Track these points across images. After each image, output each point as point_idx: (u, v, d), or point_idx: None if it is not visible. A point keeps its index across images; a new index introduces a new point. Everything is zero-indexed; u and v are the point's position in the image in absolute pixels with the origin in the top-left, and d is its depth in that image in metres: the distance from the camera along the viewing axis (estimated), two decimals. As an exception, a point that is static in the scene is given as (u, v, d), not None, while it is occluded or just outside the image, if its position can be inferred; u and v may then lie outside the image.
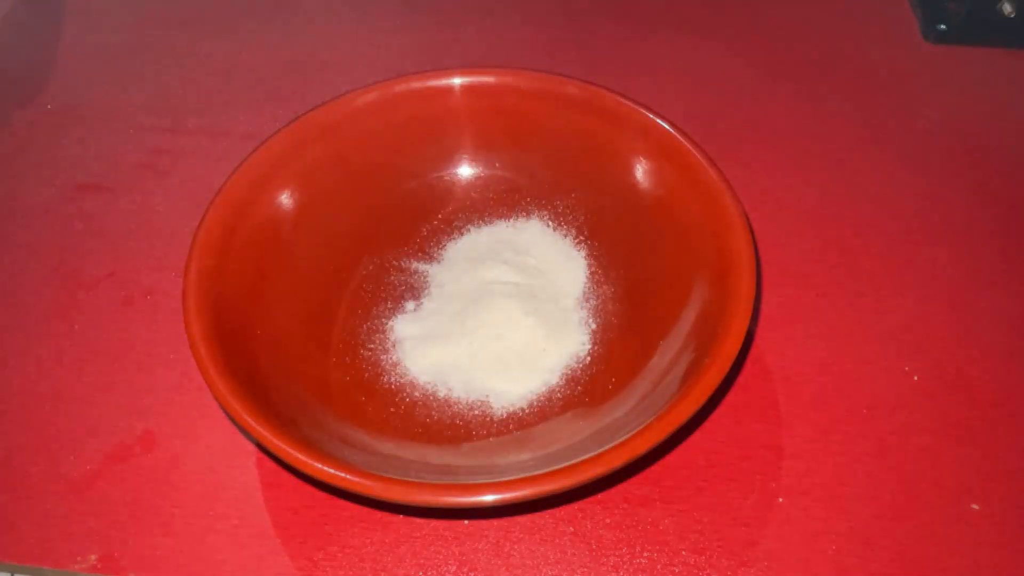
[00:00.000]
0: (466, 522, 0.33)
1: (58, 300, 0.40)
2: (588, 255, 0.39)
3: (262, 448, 0.33)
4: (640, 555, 0.32)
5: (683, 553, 0.32)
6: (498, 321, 0.36)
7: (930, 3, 0.53)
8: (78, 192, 0.45)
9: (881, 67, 0.51)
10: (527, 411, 0.34)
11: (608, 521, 0.33)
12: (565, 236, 0.40)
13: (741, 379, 0.37)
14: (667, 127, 0.36)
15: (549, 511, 0.33)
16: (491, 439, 0.34)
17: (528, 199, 0.41)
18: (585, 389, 0.35)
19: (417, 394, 0.35)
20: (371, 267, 0.39)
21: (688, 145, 0.36)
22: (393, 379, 0.36)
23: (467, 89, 0.39)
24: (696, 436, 0.35)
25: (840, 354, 0.37)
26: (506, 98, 0.39)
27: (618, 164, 0.38)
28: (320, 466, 0.27)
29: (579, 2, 0.56)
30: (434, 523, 0.33)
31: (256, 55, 0.53)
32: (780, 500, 0.33)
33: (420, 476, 0.29)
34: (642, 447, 0.28)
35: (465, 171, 0.41)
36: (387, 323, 0.37)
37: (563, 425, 0.33)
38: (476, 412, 0.34)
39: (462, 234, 0.40)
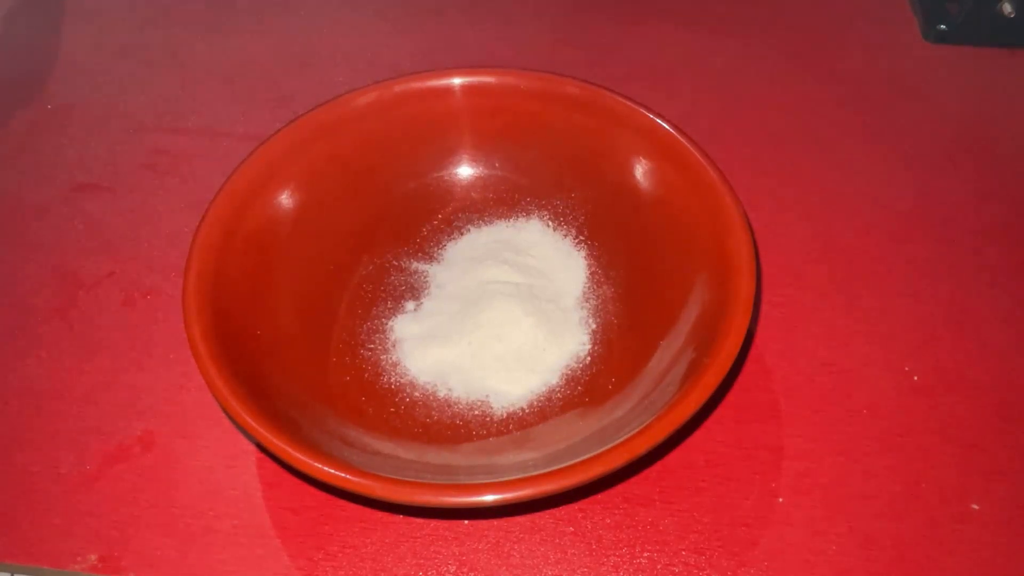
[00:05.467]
0: (466, 522, 0.33)
1: (58, 300, 0.40)
2: (588, 255, 0.39)
3: (262, 448, 0.33)
4: (640, 555, 0.32)
5: (683, 553, 0.32)
6: (498, 321, 0.36)
7: (930, 3, 0.53)
8: (78, 192, 0.45)
9: (881, 67, 0.51)
10: (527, 411, 0.34)
11: (608, 521, 0.33)
12: (565, 236, 0.40)
13: (741, 379, 0.37)
14: (667, 127, 0.36)
15: (549, 511, 0.33)
16: (491, 439, 0.34)
17: (528, 199, 0.41)
18: (585, 389, 0.35)
19: (417, 394, 0.35)
20: (371, 267, 0.39)
21: (688, 145, 0.36)
22: (393, 379, 0.36)
23: (467, 89, 0.39)
24: (696, 436, 0.35)
25: (840, 354, 0.37)
26: (506, 98, 0.39)
27: (618, 164, 0.38)
28: (320, 466, 0.27)
29: (579, 1, 0.56)
30: (434, 523, 0.33)
31: (256, 55, 0.53)
32: (780, 500, 0.33)
33: (420, 476, 0.29)
34: (642, 447, 0.28)
35: (465, 171, 0.41)
36: (387, 323, 0.37)
37: (563, 425, 0.33)
38: (476, 412, 0.34)
39: (462, 234, 0.40)
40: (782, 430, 0.35)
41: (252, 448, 0.35)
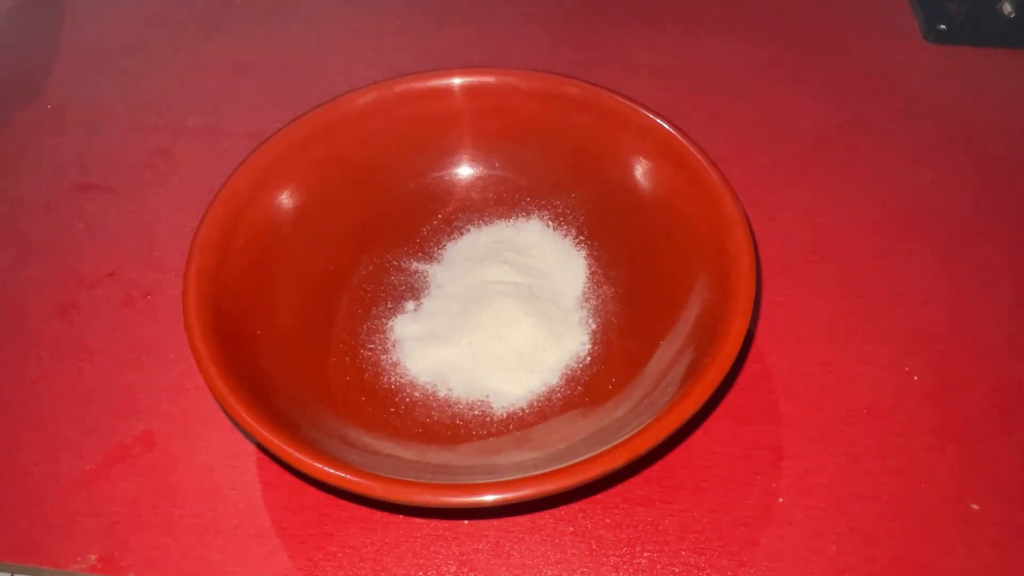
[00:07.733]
0: (466, 522, 0.33)
1: (58, 300, 0.40)
2: (588, 255, 0.39)
3: (262, 448, 0.33)
4: (640, 555, 0.32)
5: (683, 553, 0.32)
6: (498, 321, 0.36)
7: (930, 3, 0.53)
8: (78, 192, 0.45)
9: (881, 67, 0.51)
10: (527, 411, 0.34)
11: (608, 521, 0.33)
12: (565, 236, 0.40)
13: (741, 379, 0.37)
14: (667, 127, 0.36)
15: (549, 511, 0.33)
16: (491, 439, 0.34)
17: (528, 199, 0.41)
18: (585, 389, 0.35)
19: (417, 394, 0.35)
20: (371, 267, 0.39)
21: (688, 145, 0.36)
22: (393, 379, 0.36)
23: (467, 89, 0.39)
24: (696, 436, 0.35)
25: (840, 354, 0.37)
26: (506, 98, 0.39)
27: (618, 164, 0.38)
28: (320, 466, 0.27)
29: (579, 2, 0.56)
30: (434, 523, 0.33)
31: (256, 55, 0.53)
32: (780, 500, 0.33)
33: (420, 476, 0.29)
34: (642, 447, 0.28)
35: (465, 171, 0.41)
36: (387, 323, 0.37)
37: (563, 425, 0.33)
38: (476, 412, 0.34)
39: (462, 234, 0.40)
40: (782, 430, 0.35)
41: (252, 448, 0.35)
